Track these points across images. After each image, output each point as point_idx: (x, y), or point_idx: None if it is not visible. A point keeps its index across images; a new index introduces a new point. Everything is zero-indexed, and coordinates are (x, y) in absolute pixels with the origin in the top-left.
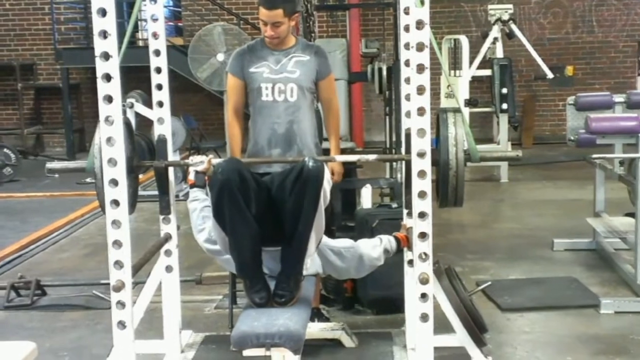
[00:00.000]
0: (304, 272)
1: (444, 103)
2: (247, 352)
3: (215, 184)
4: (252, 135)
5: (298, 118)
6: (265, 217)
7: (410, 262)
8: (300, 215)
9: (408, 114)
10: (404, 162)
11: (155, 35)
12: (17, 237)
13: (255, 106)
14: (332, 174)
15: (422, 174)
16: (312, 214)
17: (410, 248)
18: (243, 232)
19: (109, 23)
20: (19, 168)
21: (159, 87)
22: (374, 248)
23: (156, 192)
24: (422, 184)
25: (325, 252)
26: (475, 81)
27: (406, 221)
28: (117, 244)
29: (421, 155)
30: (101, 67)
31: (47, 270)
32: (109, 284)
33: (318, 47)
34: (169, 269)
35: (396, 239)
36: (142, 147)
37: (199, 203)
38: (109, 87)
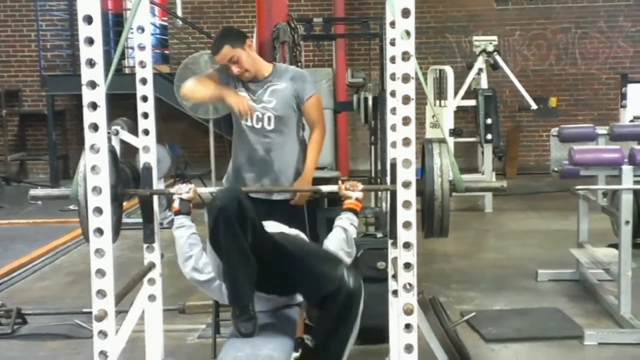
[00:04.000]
0: None
1: (429, 133)
2: None
3: (212, 211)
4: (232, 156)
5: (275, 145)
6: (261, 258)
7: (395, 293)
8: (336, 339)
9: (394, 144)
10: (389, 192)
11: (142, 64)
12: None
13: (236, 129)
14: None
15: (407, 204)
16: (348, 337)
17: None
18: (238, 261)
19: (96, 52)
20: (1, 195)
21: (145, 115)
22: (347, 243)
23: (140, 220)
24: (407, 215)
25: None
26: (460, 111)
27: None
28: (100, 272)
29: (406, 185)
30: (87, 95)
31: (28, 298)
32: (91, 312)
33: (295, 72)
34: (152, 297)
35: (352, 212)
36: (127, 175)
37: (186, 230)
38: (95, 116)
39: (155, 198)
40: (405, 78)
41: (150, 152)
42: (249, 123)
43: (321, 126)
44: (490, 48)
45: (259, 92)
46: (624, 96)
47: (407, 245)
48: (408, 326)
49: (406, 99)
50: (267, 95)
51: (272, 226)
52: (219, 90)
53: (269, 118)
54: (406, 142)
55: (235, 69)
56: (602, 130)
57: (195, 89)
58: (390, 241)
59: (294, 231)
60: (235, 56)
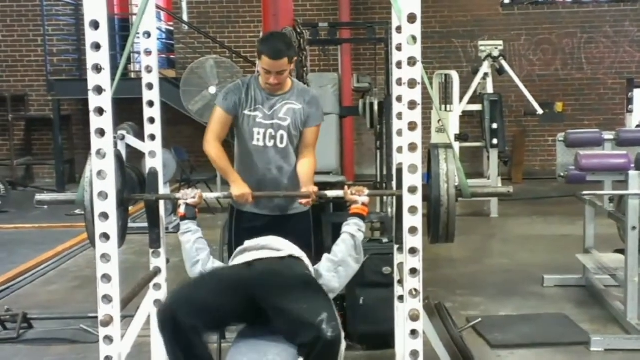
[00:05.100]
0: None
1: (435, 137)
2: None
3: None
4: (239, 175)
5: (287, 163)
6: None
7: (401, 298)
8: None
9: (399, 150)
10: (395, 198)
11: (148, 69)
12: (5, 269)
13: (245, 148)
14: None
15: (413, 209)
16: None
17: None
18: None
19: (103, 57)
20: (8, 199)
21: (151, 120)
22: (355, 249)
23: (146, 224)
24: (413, 220)
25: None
26: (465, 116)
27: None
28: (106, 278)
29: (412, 191)
30: (94, 100)
31: (34, 303)
32: (96, 317)
33: (312, 97)
34: (157, 302)
35: (359, 217)
36: (133, 180)
37: (192, 235)
38: (101, 121)
39: (161, 203)
40: (412, 83)
41: (156, 156)
42: (260, 143)
43: (314, 150)
44: (495, 53)
45: (277, 106)
46: (630, 101)
47: (413, 251)
48: (414, 332)
49: (412, 104)
50: (284, 112)
51: (274, 242)
52: (228, 174)
53: (282, 136)
54: (412, 147)
55: (275, 80)
56: (608, 135)
57: (215, 159)
58: (396, 246)
59: (293, 251)
60: (285, 70)
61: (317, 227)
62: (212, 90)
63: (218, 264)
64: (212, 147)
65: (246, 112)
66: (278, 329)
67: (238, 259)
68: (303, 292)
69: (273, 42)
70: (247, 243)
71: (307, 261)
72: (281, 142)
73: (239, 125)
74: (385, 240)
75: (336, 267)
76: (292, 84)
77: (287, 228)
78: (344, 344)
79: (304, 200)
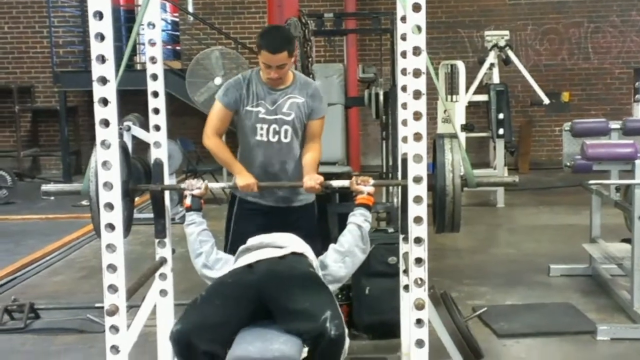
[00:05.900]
0: None
1: (441, 128)
2: None
3: (172, 345)
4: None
5: (291, 157)
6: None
7: (406, 288)
8: None
9: (405, 139)
10: (400, 187)
11: (153, 60)
12: (12, 260)
13: (247, 142)
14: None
15: (418, 199)
16: None
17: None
18: None
19: (107, 48)
20: (14, 190)
21: (156, 111)
22: (362, 240)
23: (152, 215)
24: (418, 210)
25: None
26: (471, 106)
27: (354, 179)
28: (112, 268)
29: (417, 180)
30: (98, 91)
31: (41, 293)
32: (103, 307)
33: (315, 89)
34: (163, 292)
35: (365, 207)
36: (139, 170)
37: (196, 227)
38: (106, 112)
39: (167, 193)
40: (416, 73)
41: (161, 147)
42: (264, 138)
43: (320, 143)
44: (502, 43)
45: (280, 101)
46: (637, 91)
47: (418, 240)
48: (419, 321)
49: (417, 94)
50: (287, 107)
51: (277, 239)
52: (232, 166)
53: (286, 131)
54: (417, 137)
55: (275, 74)
56: (615, 124)
57: (216, 152)
58: (401, 236)
59: (296, 247)
60: (285, 64)
61: (322, 218)
62: (218, 81)
63: (222, 255)
64: (212, 141)
65: (248, 107)
66: (284, 329)
67: (241, 260)
68: (305, 290)
69: (272, 36)
70: (250, 241)
71: (311, 256)
72: (285, 137)
73: (240, 120)
74: (390, 230)
75: (343, 258)
76: (293, 77)
77: (291, 220)
78: (347, 341)
79: (308, 185)
